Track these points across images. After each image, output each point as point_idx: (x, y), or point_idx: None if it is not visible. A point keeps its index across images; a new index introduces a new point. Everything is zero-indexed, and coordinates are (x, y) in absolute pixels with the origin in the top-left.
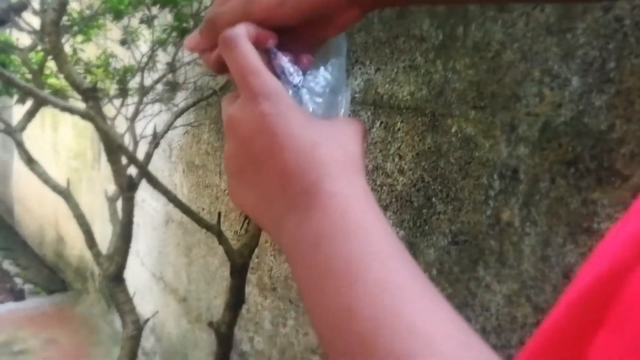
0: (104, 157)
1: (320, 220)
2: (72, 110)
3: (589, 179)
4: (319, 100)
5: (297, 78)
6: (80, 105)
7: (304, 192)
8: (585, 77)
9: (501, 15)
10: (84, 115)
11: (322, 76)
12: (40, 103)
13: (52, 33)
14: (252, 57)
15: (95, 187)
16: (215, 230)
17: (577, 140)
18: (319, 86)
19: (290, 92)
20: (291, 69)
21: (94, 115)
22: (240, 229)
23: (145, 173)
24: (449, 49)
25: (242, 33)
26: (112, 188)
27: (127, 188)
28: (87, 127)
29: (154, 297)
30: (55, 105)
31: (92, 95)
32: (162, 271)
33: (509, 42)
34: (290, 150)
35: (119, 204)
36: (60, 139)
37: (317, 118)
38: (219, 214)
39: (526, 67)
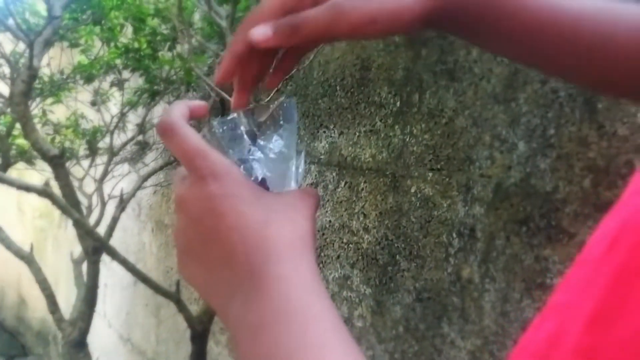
0: None
1: (264, 305)
2: (28, 189)
3: (540, 236)
4: (271, 167)
5: (245, 148)
6: (46, 168)
7: (250, 274)
8: (530, 142)
9: (452, 84)
10: (40, 193)
11: (274, 143)
12: (3, 169)
13: (20, 104)
14: (194, 140)
15: (62, 247)
16: (174, 298)
17: (527, 200)
18: (271, 153)
19: (238, 162)
20: (239, 138)
21: (51, 193)
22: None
23: (103, 245)
24: (406, 115)
25: (177, 118)
26: (79, 250)
27: (93, 252)
28: (55, 185)
29: (122, 359)
30: (12, 185)
31: (58, 162)
32: (129, 332)
33: (460, 109)
34: (239, 230)
35: (85, 266)
36: (25, 198)
37: (268, 193)
38: (177, 282)
39: (477, 132)
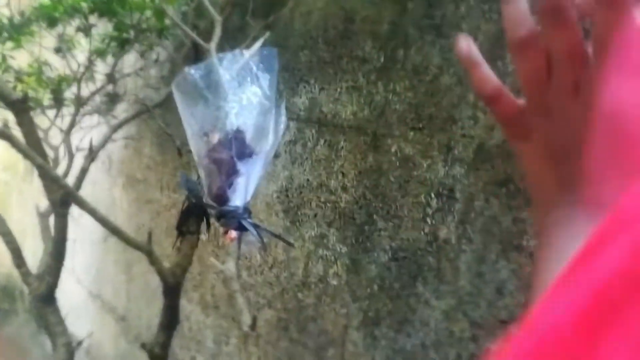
0: None
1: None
2: None
3: (519, 198)
4: (249, 117)
5: (222, 95)
6: (8, 116)
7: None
8: None
9: (439, 41)
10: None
11: (252, 93)
12: None
13: None
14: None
15: (28, 201)
16: (145, 249)
17: (508, 162)
18: (249, 103)
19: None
20: (215, 84)
21: (10, 135)
22: (173, 247)
23: (69, 193)
24: (390, 71)
25: None
26: (45, 203)
27: (60, 204)
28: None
29: (90, 316)
30: None
31: (21, 107)
32: (99, 289)
33: (446, 67)
34: None
35: (52, 220)
36: None
37: None
38: (149, 233)
39: (462, 90)
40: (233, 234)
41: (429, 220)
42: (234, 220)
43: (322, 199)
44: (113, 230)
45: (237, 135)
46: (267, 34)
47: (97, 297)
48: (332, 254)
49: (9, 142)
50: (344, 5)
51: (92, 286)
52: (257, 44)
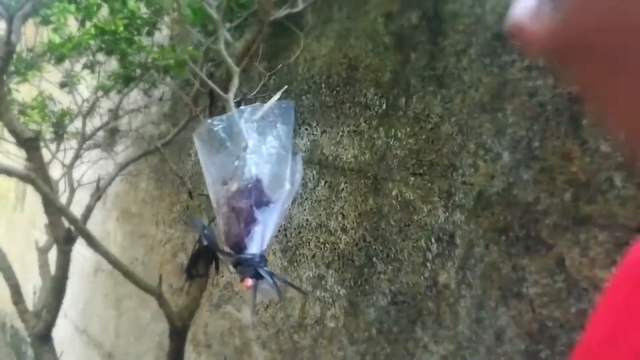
0: (29, 199)
1: None
2: (10, 173)
3: (518, 246)
4: (266, 167)
5: (241, 146)
6: (14, 150)
7: None
8: (514, 152)
9: (440, 91)
10: (23, 178)
11: (270, 144)
12: None
13: None
14: None
15: (17, 231)
16: (156, 293)
17: (508, 210)
18: (267, 153)
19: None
20: (236, 135)
21: (34, 179)
22: (182, 290)
23: (84, 234)
24: (391, 118)
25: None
26: (37, 234)
27: (64, 241)
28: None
29: (76, 352)
30: None
31: (33, 144)
32: (86, 324)
33: (447, 116)
34: None
35: (51, 255)
36: None
37: None
38: (160, 276)
39: (462, 139)
40: (249, 282)
41: (429, 264)
42: (250, 268)
43: (321, 240)
44: (125, 272)
45: (256, 184)
46: (285, 87)
47: (84, 332)
48: (330, 296)
49: (33, 185)
50: (347, 53)
51: (79, 321)
52: (276, 96)
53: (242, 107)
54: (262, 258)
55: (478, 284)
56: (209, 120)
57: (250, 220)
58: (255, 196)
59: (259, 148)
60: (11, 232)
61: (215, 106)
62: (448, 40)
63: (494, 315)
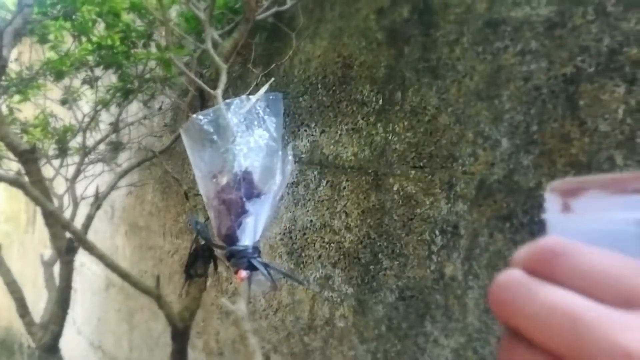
0: (39, 220)
1: None
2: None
3: (523, 233)
4: (256, 159)
5: (230, 138)
6: (15, 166)
7: None
8: (513, 138)
9: (435, 82)
10: (13, 183)
11: (260, 136)
12: None
13: None
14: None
15: (28, 252)
16: (154, 294)
17: (510, 197)
18: (256, 145)
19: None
20: (223, 128)
21: (24, 183)
22: (181, 290)
23: (80, 239)
24: (389, 113)
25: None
26: (47, 252)
27: (66, 252)
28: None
29: None
30: None
31: (30, 157)
32: (100, 339)
33: (443, 107)
34: None
35: (56, 268)
36: None
37: None
38: (158, 277)
39: (460, 129)
40: (243, 273)
41: (434, 257)
42: (243, 260)
43: (326, 240)
44: (122, 274)
45: (245, 176)
46: (272, 79)
47: (98, 347)
48: (337, 296)
49: (22, 189)
50: (341, 52)
51: (93, 336)
52: (263, 89)
53: (228, 100)
54: (255, 249)
55: (485, 274)
56: (195, 115)
57: (241, 212)
58: (245, 188)
59: (248, 140)
60: (23, 253)
61: (207, 106)
62: (440, 31)
63: None
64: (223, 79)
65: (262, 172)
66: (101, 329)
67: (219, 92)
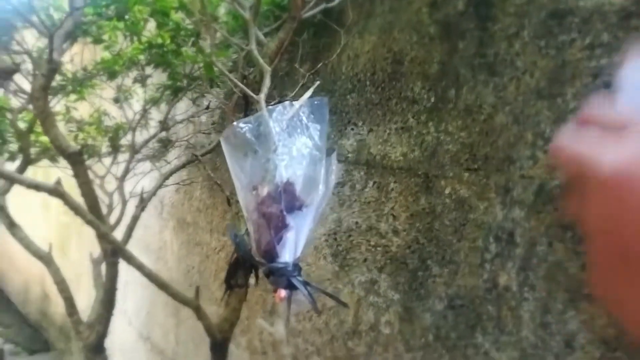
0: None
1: None
2: (39, 188)
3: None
4: (299, 168)
5: (271, 147)
6: (64, 168)
7: None
8: None
9: (492, 79)
10: (51, 192)
11: (303, 144)
12: (23, 166)
13: (39, 98)
14: None
15: (85, 243)
16: (193, 305)
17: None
18: (299, 154)
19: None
20: (265, 136)
21: (63, 192)
22: (221, 300)
23: (119, 249)
24: (441, 111)
25: None
26: (99, 249)
27: (112, 253)
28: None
29: (141, 358)
30: (22, 184)
31: (78, 159)
32: (149, 331)
33: (500, 105)
34: None
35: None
36: None
37: None
38: (197, 289)
39: (519, 129)
40: (282, 293)
41: (487, 266)
42: (283, 278)
43: (372, 243)
44: (161, 285)
45: (287, 188)
46: (317, 82)
47: (147, 339)
48: (383, 301)
49: (62, 199)
50: (391, 47)
51: (143, 328)
52: (307, 94)
53: (270, 107)
54: (296, 267)
55: (542, 286)
56: (236, 123)
57: (282, 226)
58: (286, 200)
59: (290, 149)
60: (80, 245)
61: (251, 110)
62: (498, 25)
63: (562, 320)
64: (267, 82)
65: (304, 183)
66: (150, 321)
67: (262, 96)
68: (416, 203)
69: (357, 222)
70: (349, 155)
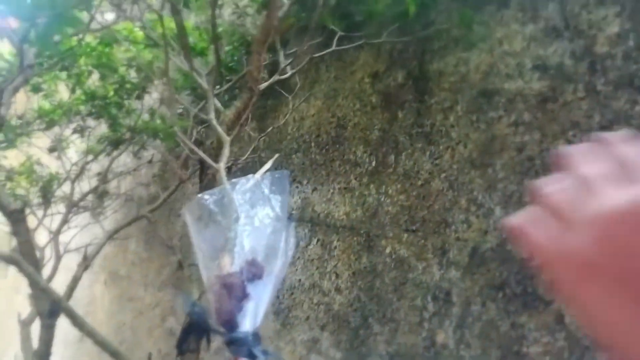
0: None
1: None
2: None
3: (516, 303)
4: (260, 239)
5: (234, 218)
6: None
7: None
8: (506, 207)
9: (429, 147)
10: (8, 260)
11: (265, 215)
12: None
13: None
14: None
15: (1, 299)
16: None
17: (503, 266)
18: (261, 225)
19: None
20: (228, 207)
21: (18, 260)
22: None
23: (66, 310)
24: (382, 175)
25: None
26: (19, 299)
27: (49, 315)
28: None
29: None
30: None
31: (18, 217)
32: None
33: (436, 172)
34: None
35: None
36: None
37: None
38: (150, 354)
39: (453, 195)
40: None
41: (425, 324)
42: (244, 348)
43: (315, 301)
44: (112, 352)
45: (249, 258)
46: (276, 156)
47: None
48: None
49: (17, 266)
50: (335, 113)
51: None
52: (267, 166)
53: (234, 180)
54: (256, 336)
55: (477, 343)
56: (200, 195)
57: (242, 296)
58: (247, 270)
59: (252, 220)
60: None
61: (206, 174)
62: (434, 98)
63: None
64: (226, 152)
65: (265, 252)
66: None
67: (221, 165)
68: (358, 261)
69: (300, 280)
70: (294, 212)
